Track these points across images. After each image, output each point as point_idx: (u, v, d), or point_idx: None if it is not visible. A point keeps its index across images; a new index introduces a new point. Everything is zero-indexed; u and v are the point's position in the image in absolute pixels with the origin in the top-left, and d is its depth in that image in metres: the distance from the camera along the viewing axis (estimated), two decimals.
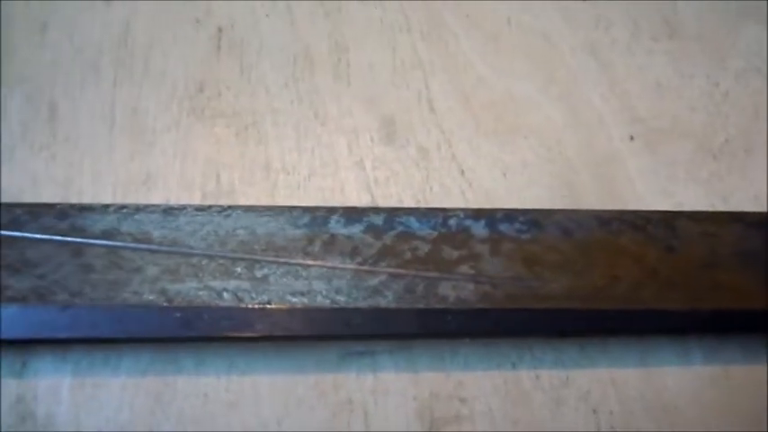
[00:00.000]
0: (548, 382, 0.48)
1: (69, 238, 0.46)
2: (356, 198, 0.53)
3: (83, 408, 0.45)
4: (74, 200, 0.50)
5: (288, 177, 0.53)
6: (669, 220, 0.52)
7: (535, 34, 0.62)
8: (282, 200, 0.52)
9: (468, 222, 0.50)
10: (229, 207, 0.49)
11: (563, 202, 0.54)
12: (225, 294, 0.45)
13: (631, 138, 0.58)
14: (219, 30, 0.58)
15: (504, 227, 0.50)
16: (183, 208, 0.48)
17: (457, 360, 0.49)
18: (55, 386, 0.45)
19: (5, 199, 0.49)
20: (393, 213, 0.50)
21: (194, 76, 0.56)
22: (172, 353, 0.47)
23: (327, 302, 0.46)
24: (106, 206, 0.48)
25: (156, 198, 0.51)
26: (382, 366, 0.48)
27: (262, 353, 0.47)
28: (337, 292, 0.46)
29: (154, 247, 0.46)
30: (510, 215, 0.51)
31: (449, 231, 0.49)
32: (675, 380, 0.50)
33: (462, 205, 0.53)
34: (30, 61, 0.55)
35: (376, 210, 0.50)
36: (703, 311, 0.49)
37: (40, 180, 0.51)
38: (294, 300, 0.46)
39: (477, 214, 0.51)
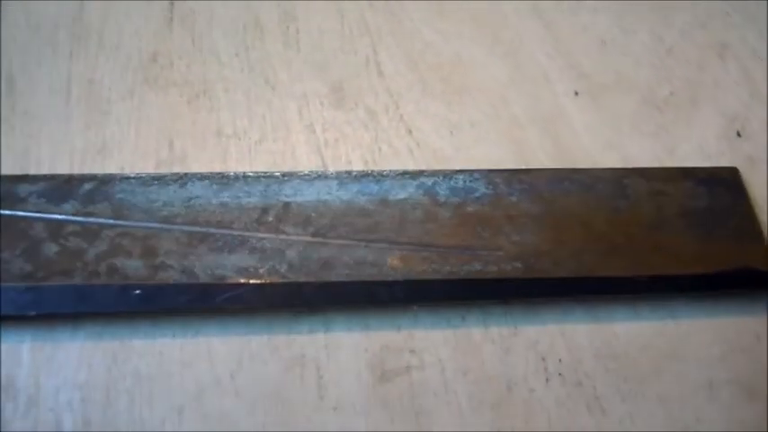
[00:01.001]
0: (497, 333, 0.49)
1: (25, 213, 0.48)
2: (307, 161, 0.54)
3: (42, 368, 0.46)
4: (32, 170, 0.51)
5: (239, 142, 0.54)
6: (619, 178, 0.52)
7: None
8: (234, 164, 0.53)
9: (420, 187, 0.51)
10: (185, 175, 0.50)
11: (510, 158, 0.55)
12: (182, 270, 0.46)
13: (576, 93, 0.58)
14: (171, 3, 0.60)
15: (456, 191, 0.51)
16: (138, 177, 0.50)
17: (407, 315, 0.49)
18: (15, 349, 0.46)
19: None
20: (345, 178, 0.51)
21: (147, 47, 0.58)
22: (128, 319, 0.48)
23: (278, 277, 0.47)
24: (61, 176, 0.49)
25: (112, 166, 0.52)
26: (334, 322, 0.48)
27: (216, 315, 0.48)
28: (289, 264, 0.47)
29: (110, 221, 0.48)
30: (463, 177, 0.51)
31: (403, 198, 0.50)
32: (625, 329, 0.50)
33: (411, 164, 0.54)
34: None
35: (328, 175, 0.51)
36: (646, 277, 0.49)
37: None
38: (248, 273, 0.47)
39: (430, 177, 0.51)
